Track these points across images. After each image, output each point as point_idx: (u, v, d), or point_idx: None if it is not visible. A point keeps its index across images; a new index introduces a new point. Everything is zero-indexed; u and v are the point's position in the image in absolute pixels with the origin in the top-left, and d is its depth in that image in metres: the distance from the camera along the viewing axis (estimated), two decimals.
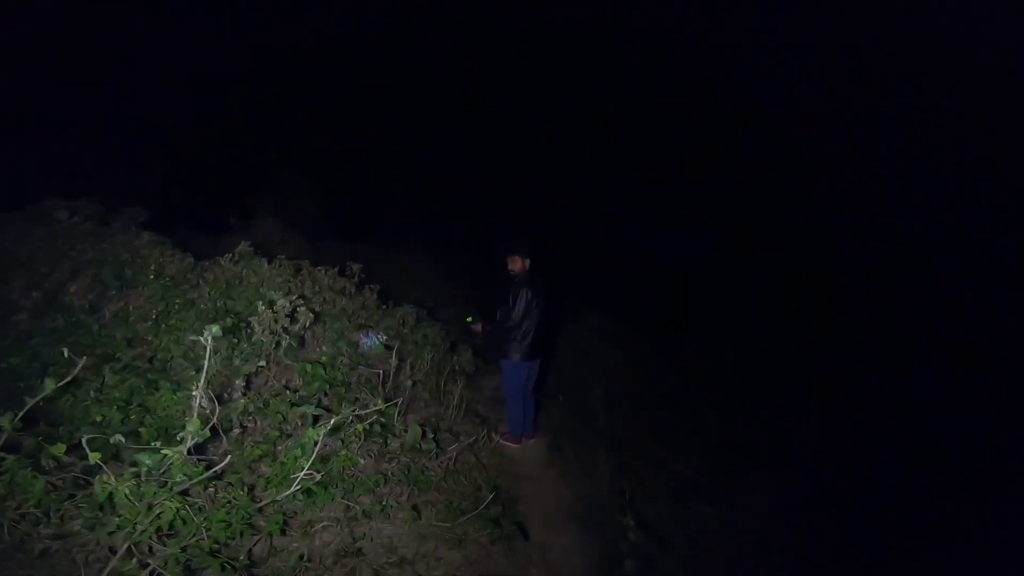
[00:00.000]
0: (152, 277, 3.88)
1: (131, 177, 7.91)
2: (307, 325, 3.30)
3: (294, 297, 3.29)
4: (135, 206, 5.64)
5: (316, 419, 3.09)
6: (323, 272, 4.43)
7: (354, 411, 2.95)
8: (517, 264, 4.35)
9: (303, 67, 11.13)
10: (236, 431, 3.04)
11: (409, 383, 3.97)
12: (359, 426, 2.89)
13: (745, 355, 7.60)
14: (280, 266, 4.37)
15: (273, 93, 10.89)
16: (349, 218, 9.51)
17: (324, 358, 3.89)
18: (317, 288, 4.30)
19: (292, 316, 3.27)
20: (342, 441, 2.92)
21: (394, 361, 4.00)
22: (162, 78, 9.00)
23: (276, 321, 3.13)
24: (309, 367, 3.44)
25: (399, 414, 3.77)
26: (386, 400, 3.86)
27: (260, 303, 3.16)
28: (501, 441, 4.56)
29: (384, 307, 4.83)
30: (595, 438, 4.68)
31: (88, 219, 4.78)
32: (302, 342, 3.96)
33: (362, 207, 10.00)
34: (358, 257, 8.81)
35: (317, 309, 4.08)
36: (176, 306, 3.87)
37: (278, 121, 10.72)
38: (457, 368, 4.90)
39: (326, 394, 3.59)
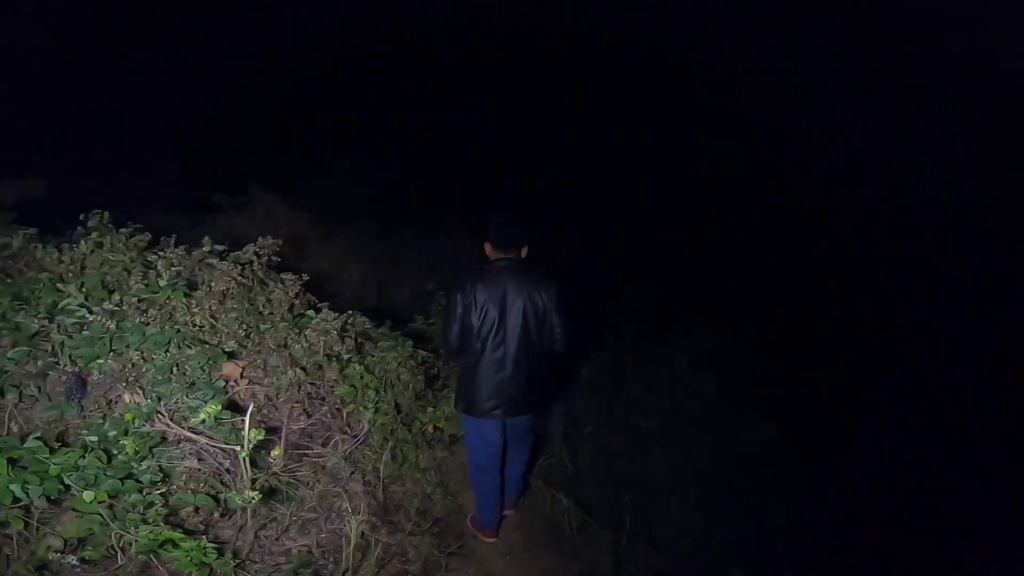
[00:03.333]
0: None
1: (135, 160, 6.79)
2: None
3: None
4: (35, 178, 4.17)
5: None
6: (173, 254, 2.46)
7: None
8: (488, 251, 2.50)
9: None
10: None
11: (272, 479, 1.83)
12: None
13: None
14: (110, 245, 2.48)
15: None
16: (385, 198, 7.73)
17: (133, 414, 1.91)
18: (147, 282, 2.34)
19: None
20: None
21: (248, 437, 1.89)
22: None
23: None
24: None
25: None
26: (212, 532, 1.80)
27: None
28: (470, 525, 2.64)
29: (314, 310, 2.75)
30: None
31: None
32: (80, 384, 2.01)
33: (403, 187, 8.19)
34: (389, 239, 7.10)
35: (115, 321, 2.10)
36: None
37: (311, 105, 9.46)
38: (430, 429, 2.71)
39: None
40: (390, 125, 9.15)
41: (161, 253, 2.43)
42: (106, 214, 2.92)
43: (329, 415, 2.63)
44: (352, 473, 2.47)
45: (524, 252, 2.42)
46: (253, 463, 2.01)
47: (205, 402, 2.17)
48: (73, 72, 7.13)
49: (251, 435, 1.92)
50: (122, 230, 2.62)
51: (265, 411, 2.54)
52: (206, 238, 2.96)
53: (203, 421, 1.91)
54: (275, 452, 1.94)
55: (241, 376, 2.46)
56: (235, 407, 2.31)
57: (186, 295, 2.32)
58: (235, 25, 9.12)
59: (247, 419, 1.92)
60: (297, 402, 2.59)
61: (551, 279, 2.38)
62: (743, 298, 4.83)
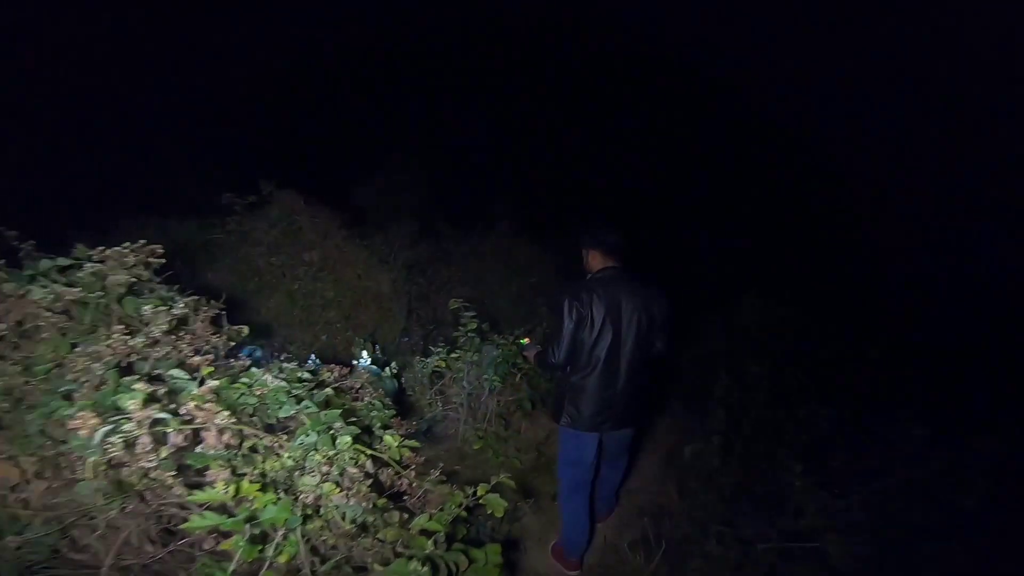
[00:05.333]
0: None
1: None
2: None
3: None
4: None
5: None
6: None
7: None
8: (587, 260, 2.34)
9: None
10: None
11: None
12: None
13: None
14: None
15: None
16: (430, 200, 6.71)
17: None
18: None
19: None
20: None
21: None
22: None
23: None
24: None
25: None
26: None
27: None
28: (552, 557, 2.46)
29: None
30: None
31: None
32: None
33: (451, 189, 7.16)
34: (430, 243, 5.93)
35: None
36: None
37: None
38: None
39: None
40: (441, 127, 8.21)
41: None
42: None
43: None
44: None
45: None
46: None
47: None
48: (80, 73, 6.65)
49: None
50: None
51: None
52: (79, 246, 1.89)
53: None
54: None
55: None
56: None
57: None
58: (273, 27, 8.64)
59: None
60: (143, 533, 1.42)
61: (661, 289, 2.27)
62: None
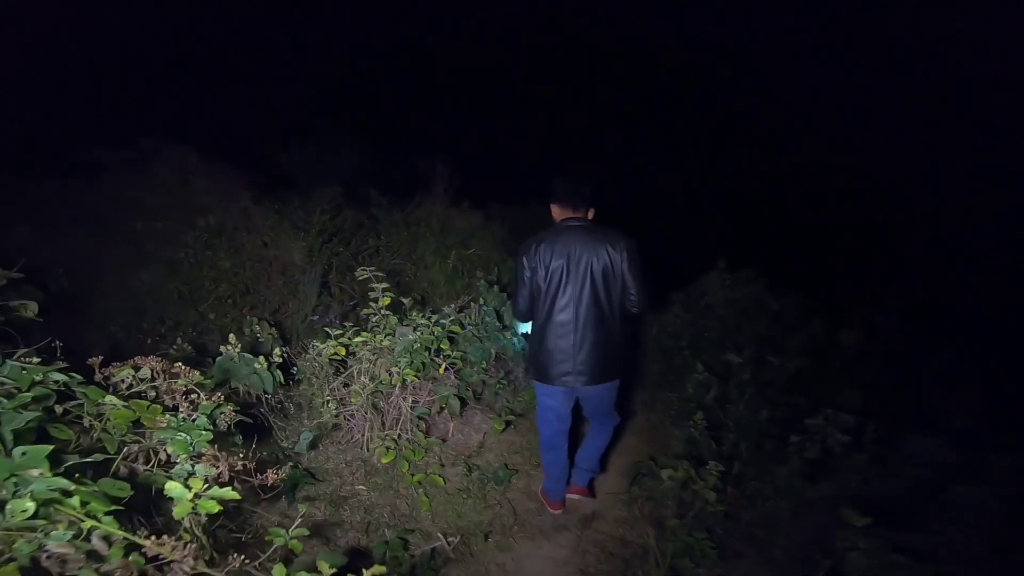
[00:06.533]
0: None
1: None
2: None
3: None
4: None
5: None
6: None
7: None
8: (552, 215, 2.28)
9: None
10: None
11: None
12: None
13: None
14: None
15: None
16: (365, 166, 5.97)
17: None
18: None
19: None
20: None
21: None
22: None
23: None
24: None
25: None
26: None
27: None
28: (540, 496, 2.49)
29: None
30: None
31: None
32: None
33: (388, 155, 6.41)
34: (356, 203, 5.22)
35: None
36: None
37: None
38: None
39: None
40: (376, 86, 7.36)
41: None
42: None
43: None
44: None
45: (591, 215, 2.23)
46: None
47: None
48: None
49: None
50: None
51: None
52: None
53: None
54: None
55: None
56: None
57: None
58: None
59: None
60: None
61: (624, 235, 2.14)
62: None
